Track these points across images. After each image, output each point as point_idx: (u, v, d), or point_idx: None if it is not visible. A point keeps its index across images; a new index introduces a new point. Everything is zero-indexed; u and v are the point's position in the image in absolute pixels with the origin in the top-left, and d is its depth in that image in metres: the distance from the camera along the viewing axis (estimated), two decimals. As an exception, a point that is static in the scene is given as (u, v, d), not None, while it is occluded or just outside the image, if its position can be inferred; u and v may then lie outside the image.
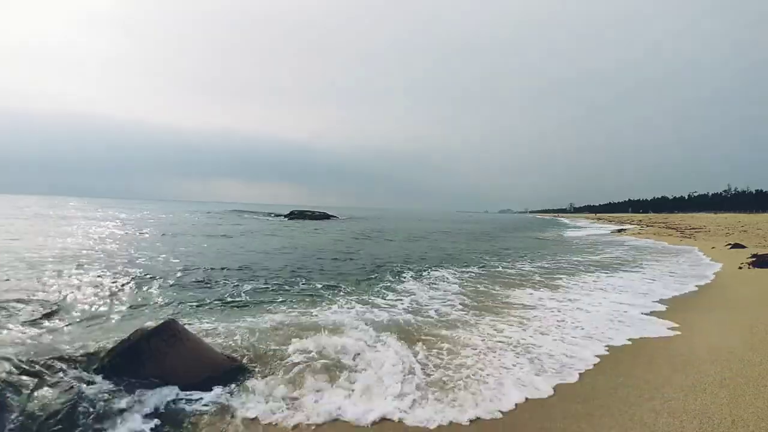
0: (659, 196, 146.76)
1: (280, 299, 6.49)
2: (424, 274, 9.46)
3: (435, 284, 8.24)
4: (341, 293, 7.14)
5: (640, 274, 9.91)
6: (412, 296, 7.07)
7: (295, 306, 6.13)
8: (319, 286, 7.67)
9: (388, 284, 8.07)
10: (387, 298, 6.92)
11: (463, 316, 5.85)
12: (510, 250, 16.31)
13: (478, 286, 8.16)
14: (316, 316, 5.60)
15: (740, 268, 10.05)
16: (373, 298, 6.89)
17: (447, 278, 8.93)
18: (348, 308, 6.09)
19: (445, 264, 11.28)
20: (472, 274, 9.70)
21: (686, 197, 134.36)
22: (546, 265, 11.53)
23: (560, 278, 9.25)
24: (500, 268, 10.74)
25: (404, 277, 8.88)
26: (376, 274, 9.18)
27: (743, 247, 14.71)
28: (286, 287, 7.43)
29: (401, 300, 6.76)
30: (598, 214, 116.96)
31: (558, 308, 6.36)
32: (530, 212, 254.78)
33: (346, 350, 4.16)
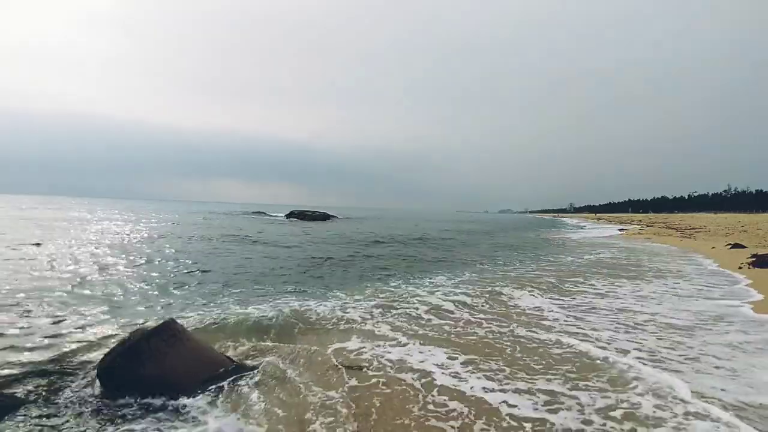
0: (659, 196, 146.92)
1: (285, 301, 6.48)
2: (435, 278, 9.45)
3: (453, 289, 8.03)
4: (352, 295, 7.10)
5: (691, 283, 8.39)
6: (431, 303, 6.74)
7: (302, 307, 6.09)
8: (328, 287, 7.64)
9: (401, 289, 8.06)
10: (405, 304, 6.34)
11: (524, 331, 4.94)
12: (530, 252, 16.26)
13: (496, 289, 8.09)
14: (324, 317, 5.60)
15: (740, 268, 10.05)
16: (389, 301, 6.71)
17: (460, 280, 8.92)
18: (364, 312, 5.87)
19: (456, 266, 11.26)
20: (487, 278, 9.68)
21: (686, 197, 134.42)
22: (579, 268, 11.43)
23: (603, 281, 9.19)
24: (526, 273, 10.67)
25: (416, 281, 8.83)
26: (388, 278, 9.17)
27: (743, 247, 14.70)
28: (293, 289, 7.37)
29: (427, 307, 6.20)
30: (598, 214, 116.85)
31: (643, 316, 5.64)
32: (530, 212, 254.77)
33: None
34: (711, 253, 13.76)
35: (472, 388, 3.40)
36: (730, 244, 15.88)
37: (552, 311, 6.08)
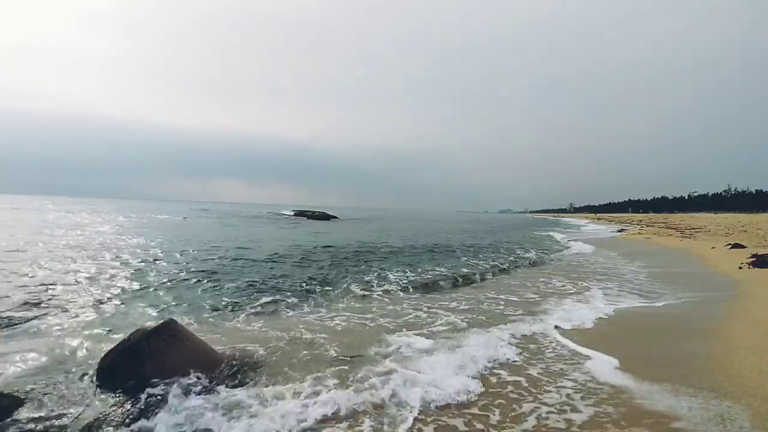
0: (659, 196, 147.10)
1: (287, 302, 6.48)
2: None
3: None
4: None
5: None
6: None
7: (307, 310, 6.11)
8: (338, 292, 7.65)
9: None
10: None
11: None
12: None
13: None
14: (332, 320, 5.61)
15: (740, 268, 10.05)
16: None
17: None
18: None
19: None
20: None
21: (686, 197, 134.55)
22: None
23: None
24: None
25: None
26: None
27: (743, 247, 14.69)
28: (297, 291, 7.30)
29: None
30: (597, 215, 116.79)
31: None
32: (530, 212, 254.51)
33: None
34: (708, 254, 13.75)
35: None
36: (730, 244, 15.87)
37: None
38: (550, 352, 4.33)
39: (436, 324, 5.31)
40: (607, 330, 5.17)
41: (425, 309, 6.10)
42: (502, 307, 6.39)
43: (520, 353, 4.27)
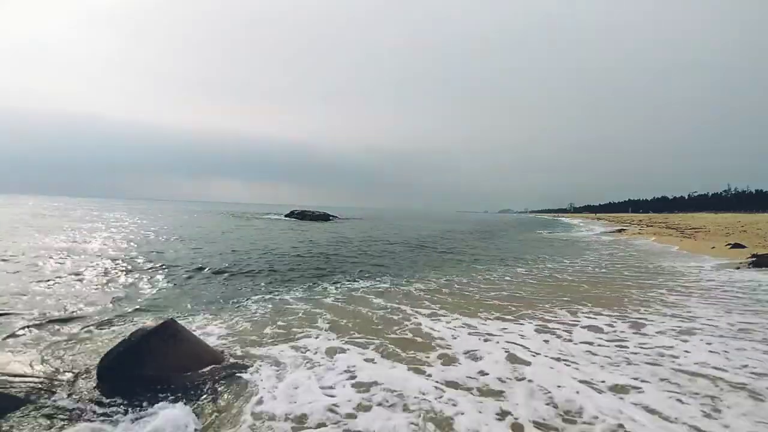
0: (659, 196, 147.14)
1: (286, 299, 6.50)
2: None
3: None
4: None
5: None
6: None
7: (286, 305, 6.13)
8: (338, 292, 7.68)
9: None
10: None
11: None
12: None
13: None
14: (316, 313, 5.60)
15: (738, 268, 10.06)
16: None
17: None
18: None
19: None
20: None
21: (686, 197, 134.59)
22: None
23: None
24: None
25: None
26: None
27: (743, 246, 14.70)
28: (298, 290, 7.29)
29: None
30: (597, 214, 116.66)
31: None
32: (530, 212, 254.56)
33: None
34: (709, 252, 13.75)
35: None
36: (730, 244, 15.89)
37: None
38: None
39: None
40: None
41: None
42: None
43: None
